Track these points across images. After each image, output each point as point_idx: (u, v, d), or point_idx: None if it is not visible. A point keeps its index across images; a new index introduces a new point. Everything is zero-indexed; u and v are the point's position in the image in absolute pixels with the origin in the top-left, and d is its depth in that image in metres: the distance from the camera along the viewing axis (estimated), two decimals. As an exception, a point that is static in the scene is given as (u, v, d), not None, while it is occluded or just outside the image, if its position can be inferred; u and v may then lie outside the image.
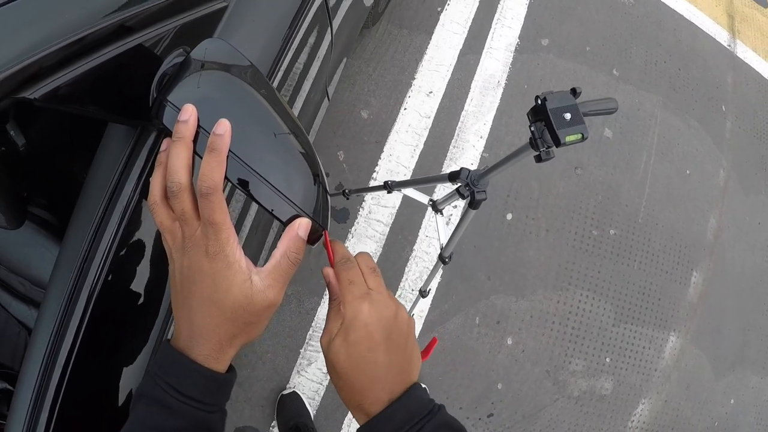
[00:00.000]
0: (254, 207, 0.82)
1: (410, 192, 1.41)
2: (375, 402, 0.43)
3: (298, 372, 1.69)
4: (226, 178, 0.41)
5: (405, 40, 2.02)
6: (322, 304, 1.74)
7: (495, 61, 2.06)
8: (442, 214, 1.35)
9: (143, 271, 0.59)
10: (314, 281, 1.73)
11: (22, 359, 0.80)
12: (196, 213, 0.40)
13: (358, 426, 0.44)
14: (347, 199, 1.78)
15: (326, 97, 1.31)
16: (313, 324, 1.73)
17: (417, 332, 1.81)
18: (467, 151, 1.93)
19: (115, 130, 0.58)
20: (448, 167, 1.91)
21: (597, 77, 2.17)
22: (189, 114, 0.41)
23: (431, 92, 1.97)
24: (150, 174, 0.56)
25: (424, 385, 0.45)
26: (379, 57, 1.98)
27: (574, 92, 0.77)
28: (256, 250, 0.98)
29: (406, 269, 1.84)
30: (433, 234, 1.85)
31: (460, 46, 2.05)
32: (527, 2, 2.19)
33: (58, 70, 0.41)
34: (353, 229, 1.82)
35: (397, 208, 1.85)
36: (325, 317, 1.75)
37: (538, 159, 0.81)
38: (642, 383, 2.11)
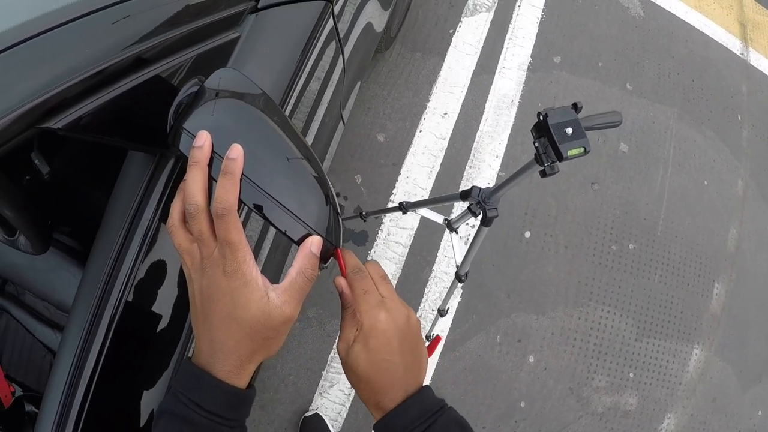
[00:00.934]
0: (273, 230, 0.83)
1: (425, 212, 1.44)
2: (392, 399, 0.46)
3: (321, 394, 1.73)
4: (241, 201, 0.43)
5: (418, 63, 2.07)
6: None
7: (508, 81, 2.09)
8: (457, 233, 1.38)
9: (163, 293, 0.61)
10: (335, 304, 1.76)
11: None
12: (213, 234, 0.42)
13: (375, 420, 0.48)
14: (364, 221, 1.82)
15: (341, 122, 1.34)
16: (334, 346, 1.76)
17: (438, 351, 1.84)
18: (483, 171, 1.97)
19: (135, 157, 0.61)
20: (465, 187, 1.94)
21: (610, 92, 2.19)
22: (203, 140, 0.43)
23: (446, 114, 2.01)
24: (169, 199, 0.58)
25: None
26: (394, 80, 2.03)
27: (575, 107, 0.80)
28: (275, 271, 1.01)
29: (426, 290, 1.87)
30: (450, 254, 1.88)
31: (473, 67, 2.09)
32: (538, 20, 2.23)
33: (80, 101, 0.44)
34: (372, 251, 1.85)
35: (415, 229, 1.89)
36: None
37: (543, 174, 0.83)
38: (667, 397, 2.11)
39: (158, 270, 0.60)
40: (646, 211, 2.10)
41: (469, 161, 1.97)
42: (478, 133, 2.00)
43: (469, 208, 1.11)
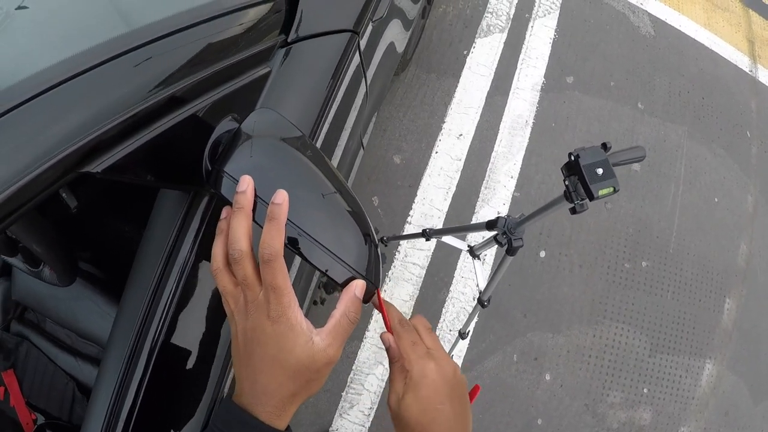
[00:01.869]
0: (298, 258, 0.85)
1: (448, 239, 1.49)
2: None
3: (341, 415, 1.77)
4: (285, 244, 0.44)
5: (433, 84, 2.12)
6: (362, 347, 1.83)
7: (522, 102, 2.15)
8: (479, 259, 1.43)
9: (197, 331, 0.62)
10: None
11: (71, 410, 0.88)
12: (258, 278, 0.43)
13: None
14: (386, 246, 1.88)
15: (361, 147, 1.38)
16: (353, 367, 1.81)
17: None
18: (499, 192, 2.02)
19: (168, 193, 0.62)
20: (481, 208, 2.00)
21: (622, 111, 2.25)
22: (246, 184, 0.44)
23: (461, 135, 2.07)
24: (205, 236, 0.60)
25: None
26: (409, 102, 2.09)
27: (605, 147, 0.84)
28: (300, 297, 1.01)
29: (444, 310, 1.92)
30: (468, 275, 1.93)
31: (488, 88, 2.15)
32: (551, 41, 2.29)
33: (117, 144, 0.45)
34: (390, 272, 1.91)
35: (432, 250, 1.94)
36: (365, 360, 1.84)
37: (573, 211, 0.88)
38: (680, 412, 2.17)
39: (195, 307, 0.61)
40: (658, 228, 2.16)
41: (484, 182, 2.03)
42: (493, 153, 2.06)
43: (495, 238, 1.15)
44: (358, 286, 0.46)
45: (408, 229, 1.95)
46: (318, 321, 0.43)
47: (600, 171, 0.81)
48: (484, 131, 2.08)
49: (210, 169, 0.52)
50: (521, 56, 2.22)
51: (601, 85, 2.26)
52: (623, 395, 2.07)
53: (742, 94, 2.52)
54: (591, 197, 0.81)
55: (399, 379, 0.48)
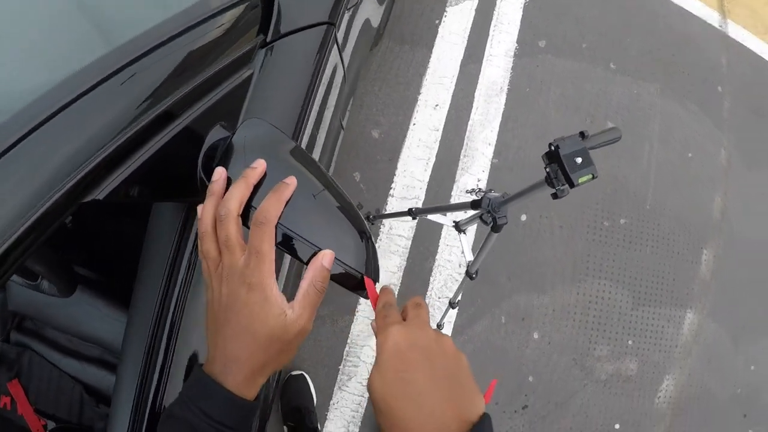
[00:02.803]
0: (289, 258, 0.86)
1: (434, 217, 1.55)
2: None
3: (340, 388, 1.86)
4: (279, 246, 0.46)
5: (407, 55, 2.17)
6: (354, 320, 1.91)
7: (496, 68, 2.22)
8: (465, 233, 1.50)
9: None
10: (346, 299, 1.90)
11: (80, 412, 0.89)
12: (240, 242, 0.45)
13: None
14: (372, 224, 1.95)
15: (341, 128, 1.42)
16: (348, 341, 1.90)
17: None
18: (477, 159, 2.10)
19: (163, 206, 0.65)
20: (461, 177, 2.08)
21: (595, 72, 2.33)
22: (260, 164, 0.48)
23: (437, 105, 2.13)
24: None
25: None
26: (384, 76, 2.14)
27: (582, 135, 0.90)
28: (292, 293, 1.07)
29: (431, 278, 2.01)
30: (452, 242, 2.02)
31: (461, 57, 2.20)
32: (522, 6, 2.34)
33: (116, 169, 0.47)
34: (377, 246, 1.99)
35: (416, 221, 2.02)
36: (359, 332, 1.93)
37: (555, 196, 0.94)
38: (665, 361, 2.30)
39: (203, 310, 0.64)
40: (634, 186, 2.26)
41: (462, 150, 2.10)
42: (470, 122, 2.13)
43: (480, 217, 1.20)
44: (326, 256, 0.46)
45: (391, 203, 2.02)
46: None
47: (579, 160, 0.87)
48: (459, 100, 2.14)
49: (205, 179, 0.54)
50: (493, 22, 2.27)
51: (574, 47, 2.33)
52: (609, 348, 2.20)
53: (713, 50, 2.61)
54: (571, 185, 0.87)
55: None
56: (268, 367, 0.46)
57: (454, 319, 1.99)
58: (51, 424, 0.89)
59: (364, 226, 0.51)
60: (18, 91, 0.43)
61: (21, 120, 0.41)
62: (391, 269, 1.97)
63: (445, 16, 2.25)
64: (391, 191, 2.04)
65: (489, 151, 2.11)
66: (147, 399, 0.60)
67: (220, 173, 0.48)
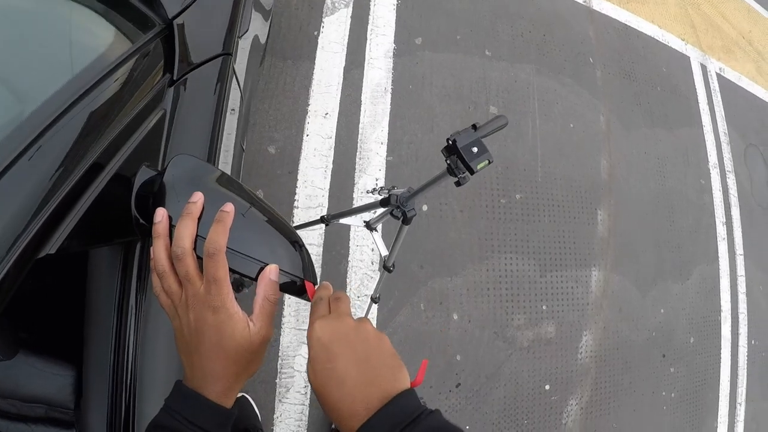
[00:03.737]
0: None
1: (346, 221, 1.64)
2: (352, 416, 0.47)
3: (281, 401, 1.94)
4: (234, 270, 0.52)
5: (291, 70, 2.29)
6: (282, 333, 2.00)
7: (378, 70, 2.37)
8: (377, 230, 1.62)
9: (169, 365, 0.70)
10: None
11: None
12: (198, 274, 0.50)
13: None
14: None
15: (242, 149, 1.45)
16: (279, 353, 1.99)
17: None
18: (373, 160, 2.24)
19: (99, 250, 0.69)
20: (360, 178, 2.21)
21: (472, 61, 2.54)
22: (198, 198, 0.53)
23: (327, 114, 2.26)
24: (147, 281, 0.67)
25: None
26: (272, 92, 2.24)
27: (474, 127, 1.03)
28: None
29: (348, 280, 2.13)
30: (362, 242, 2.15)
31: (344, 64, 2.34)
32: (395, 7, 2.51)
33: (58, 225, 0.52)
34: (288, 257, 2.08)
35: (324, 227, 2.13)
36: (288, 343, 2.02)
37: (458, 184, 1.05)
38: (579, 318, 2.54)
39: (158, 346, 0.69)
40: (524, 162, 2.48)
41: (357, 153, 2.24)
42: (360, 125, 2.27)
43: (390, 212, 1.31)
44: (272, 270, 0.53)
45: (296, 213, 2.13)
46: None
47: (475, 149, 0.98)
48: (347, 106, 2.28)
49: (141, 220, 0.59)
50: (369, 27, 2.43)
51: (449, 40, 2.52)
52: (526, 316, 2.40)
53: (580, 25, 2.89)
54: (471, 172, 0.99)
55: None
56: (242, 376, 0.53)
57: (376, 315, 2.12)
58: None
59: (295, 236, 0.58)
60: None
61: None
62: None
63: (323, 26, 2.39)
64: (296, 203, 2.14)
65: (383, 150, 2.26)
66: None
67: (162, 214, 0.53)
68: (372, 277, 2.17)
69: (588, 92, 2.76)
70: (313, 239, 2.13)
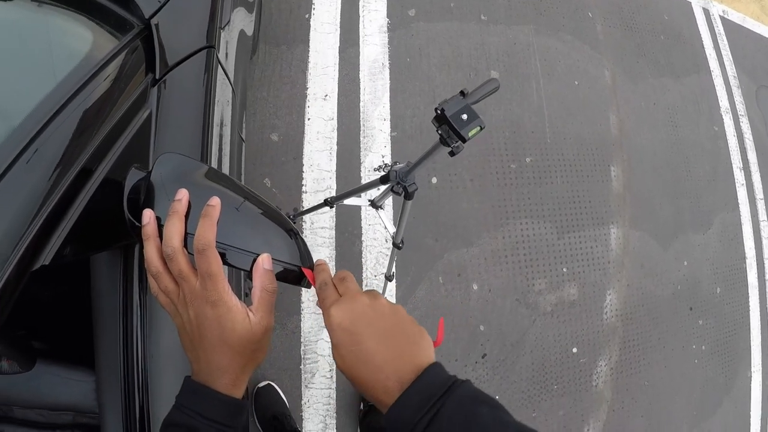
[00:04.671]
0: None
1: (349, 201, 1.65)
2: (387, 392, 0.48)
3: (307, 386, 1.97)
4: (229, 264, 0.53)
5: (286, 55, 2.29)
6: (302, 318, 2.03)
7: (374, 47, 2.36)
8: (383, 208, 1.63)
9: (178, 362, 0.70)
10: (288, 301, 2.01)
11: None
12: (192, 271, 0.51)
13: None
14: (294, 222, 2.06)
15: (242, 140, 1.44)
16: (302, 339, 2.01)
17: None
18: (377, 137, 2.24)
19: (99, 255, 0.70)
20: (366, 157, 2.22)
21: (468, 27, 2.51)
22: (183, 195, 0.53)
23: (327, 95, 2.26)
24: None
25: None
26: (269, 79, 2.25)
27: (463, 94, 0.99)
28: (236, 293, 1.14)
29: (363, 260, 2.15)
30: (373, 221, 2.16)
31: (338, 44, 2.33)
32: (384, -19, 2.49)
33: (52, 233, 0.53)
34: (303, 242, 2.10)
35: (335, 209, 2.15)
36: (309, 329, 2.05)
37: (452, 154, 1.03)
38: (601, 278, 2.53)
39: (168, 344, 0.70)
40: (531, 124, 2.46)
41: (361, 132, 2.24)
42: (361, 103, 2.27)
43: (391, 189, 1.29)
44: (265, 260, 0.54)
45: (305, 198, 2.14)
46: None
47: (465, 116, 0.94)
48: (346, 85, 2.27)
49: (135, 223, 0.59)
50: (360, 3, 2.42)
51: (442, 8, 2.50)
52: (546, 280, 2.40)
53: (575, -21, 2.84)
54: (463, 140, 0.96)
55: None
56: (248, 366, 0.53)
57: (394, 293, 2.14)
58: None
59: (289, 224, 0.58)
60: None
61: None
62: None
63: (314, 8, 2.38)
64: (303, 188, 2.15)
65: (386, 127, 2.26)
66: None
67: (149, 216, 0.54)
68: (387, 255, 2.18)
69: (590, 47, 2.72)
70: (325, 222, 2.15)
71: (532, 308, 2.36)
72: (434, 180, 2.27)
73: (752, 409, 2.93)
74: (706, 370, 2.78)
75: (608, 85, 2.71)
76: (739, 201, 3.16)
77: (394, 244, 1.55)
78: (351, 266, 2.12)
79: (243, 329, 0.51)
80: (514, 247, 2.36)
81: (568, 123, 2.56)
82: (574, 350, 2.43)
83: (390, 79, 2.32)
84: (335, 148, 2.21)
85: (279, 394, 1.88)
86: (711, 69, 3.35)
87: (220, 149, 0.94)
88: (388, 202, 2.22)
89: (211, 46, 0.95)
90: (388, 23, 2.42)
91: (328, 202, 1.69)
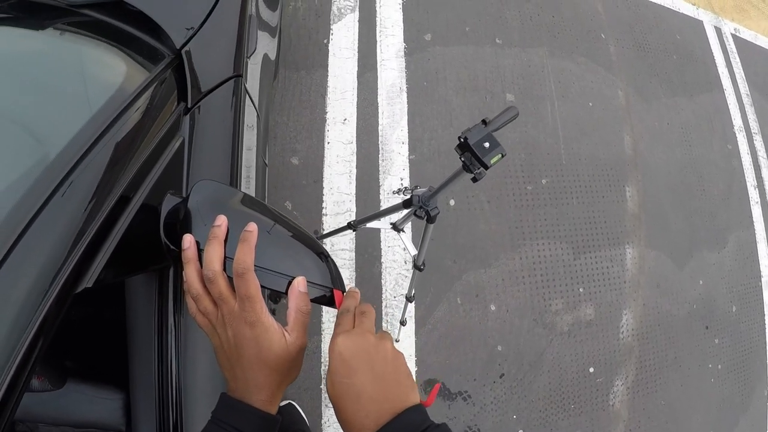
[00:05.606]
0: None
1: (372, 224, 1.70)
2: (362, 430, 0.51)
3: (327, 406, 2.01)
4: (265, 287, 0.55)
5: (305, 80, 2.36)
6: (322, 339, 2.08)
7: (391, 71, 2.43)
8: (404, 231, 1.68)
9: (211, 380, 0.73)
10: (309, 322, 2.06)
11: None
12: (231, 293, 0.54)
13: None
14: (315, 243, 2.11)
15: (265, 164, 1.49)
16: (322, 360, 2.06)
17: (411, 331, 2.17)
18: (395, 160, 2.31)
19: (135, 278, 0.73)
20: (385, 180, 2.28)
21: (483, 51, 2.58)
22: (222, 221, 0.56)
23: (346, 119, 2.33)
24: (183, 303, 0.70)
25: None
26: (288, 104, 2.32)
27: (484, 123, 1.06)
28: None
29: (383, 281, 2.20)
30: (393, 243, 2.22)
31: (356, 68, 2.41)
32: (401, 6, 2.57)
33: (94, 258, 0.56)
34: (323, 264, 2.15)
35: (355, 232, 2.21)
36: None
37: (474, 180, 1.08)
38: (618, 298, 2.57)
39: (202, 366, 0.72)
40: (546, 146, 2.52)
41: (380, 155, 2.30)
42: (380, 127, 2.33)
43: (414, 213, 1.34)
44: (300, 283, 0.56)
45: (326, 221, 2.20)
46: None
47: (487, 144, 1.00)
48: (365, 109, 2.34)
49: (171, 247, 0.62)
50: (378, 29, 2.49)
51: (458, 33, 2.57)
52: (563, 300, 2.44)
53: (587, 1, 2.91)
54: (486, 167, 1.02)
55: None
56: (284, 383, 0.57)
57: (414, 313, 2.19)
58: None
59: (321, 248, 0.61)
60: None
61: None
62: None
63: (332, 33, 2.45)
64: (324, 210, 2.22)
65: (404, 150, 2.32)
66: None
67: (189, 240, 0.56)
68: (406, 277, 2.23)
69: (603, 69, 2.78)
70: (345, 244, 2.20)
71: (549, 328, 2.40)
72: (452, 202, 2.33)
73: (770, 428, 2.94)
74: (722, 389, 2.80)
75: (622, 105, 2.77)
76: (754, 219, 3.19)
77: (416, 267, 1.59)
78: (370, 287, 2.18)
79: (280, 348, 0.54)
80: (531, 267, 2.40)
81: (583, 144, 2.61)
82: (591, 370, 2.46)
83: (408, 102, 2.39)
84: (354, 171, 2.27)
85: (300, 413, 1.92)
86: (724, 87, 3.41)
87: (248, 174, 0.98)
88: (407, 225, 2.28)
89: (239, 75, 0.99)
90: (405, 48, 2.49)
91: (351, 226, 1.74)
